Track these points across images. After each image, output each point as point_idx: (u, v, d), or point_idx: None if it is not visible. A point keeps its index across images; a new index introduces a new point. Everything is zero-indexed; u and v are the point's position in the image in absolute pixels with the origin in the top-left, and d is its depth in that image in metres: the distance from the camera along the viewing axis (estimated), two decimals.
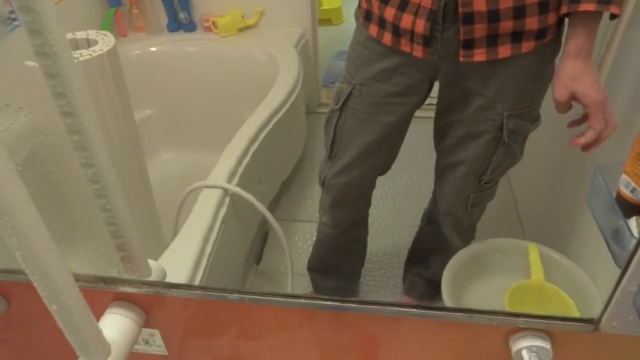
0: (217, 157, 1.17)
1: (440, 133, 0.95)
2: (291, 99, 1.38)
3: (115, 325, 0.53)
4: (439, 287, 1.21)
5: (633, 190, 0.48)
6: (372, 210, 1.13)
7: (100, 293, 0.54)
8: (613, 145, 0.79)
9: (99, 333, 0.49)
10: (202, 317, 0.57)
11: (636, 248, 0.41)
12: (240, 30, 1.62)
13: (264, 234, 1.43)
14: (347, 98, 0.91)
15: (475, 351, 0.52)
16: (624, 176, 0.49)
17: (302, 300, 0.52)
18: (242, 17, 1.61)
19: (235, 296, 0.51)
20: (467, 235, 1.10)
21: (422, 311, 0.52)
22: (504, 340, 0.50)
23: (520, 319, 0.49)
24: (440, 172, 1.01)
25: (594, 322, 0.46)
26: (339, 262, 1.20)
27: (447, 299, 0.98)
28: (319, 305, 0.52)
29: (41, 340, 0.63)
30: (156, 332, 0.58)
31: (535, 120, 0.89)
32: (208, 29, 1.63)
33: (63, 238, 0.42)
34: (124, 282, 0.52)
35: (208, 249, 0.98)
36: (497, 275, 1.05)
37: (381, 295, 1.29)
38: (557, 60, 0.81)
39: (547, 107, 0.85)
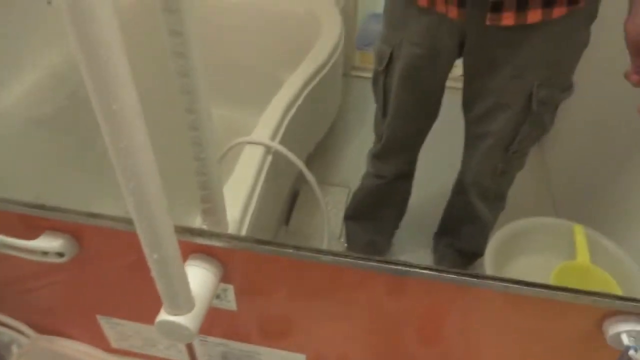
0: (250, 114, 1.15)
1: (468, 103, 0.94)
2: (332, 59, 1.35)
3: (198, 277, 0.52)
4: (470, 258, 1.22)
5: None
6: None
7: (182, 244, 0.52)
8: None
9: (187, 286, 0.48)
10: (274, 274, 0.56)
11: None
12: None
13: (293, 195, 1.42)
14: (390, 60, 0.92)
15: (564, 334, 0.51)
16: None
17: (391, 266, 0.51)
18: None
19: (329, 257, 0.49)
20: (496, 206, 1.10)
21: (506, 284, 0.50)
22: (598, 324, 0.49)
23: (620, 301, 0.47)
24: (468, 142, 1.01)
25: None
26: (377, 213, 1.21)
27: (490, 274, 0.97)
28: (400, 271, 0.50)
29: (111, 289, 0.62)
30: (230, 287, 0.57)
31: (567, 88, 0.86)
32: None
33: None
34: (207, 233, 0.50)
35: (251, 207, 0.97)
36: (539, 254, 1.04)
37: (410, 259, 1.29)
38: (592, 28, 0.79)
39: (585, 73, 0.82)
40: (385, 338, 0.60)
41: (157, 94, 0.87)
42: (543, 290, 0.48)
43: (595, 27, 0.81)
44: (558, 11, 0.75)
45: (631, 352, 0.46)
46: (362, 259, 0.50)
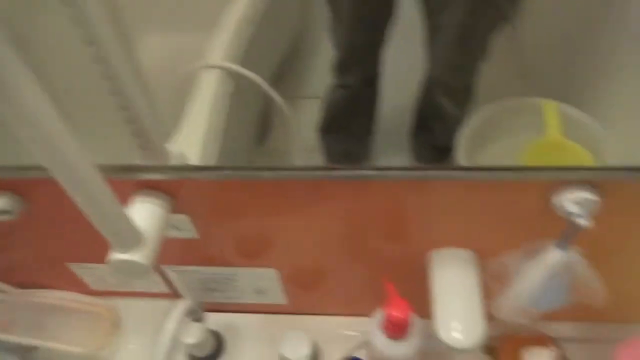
0: (202, 36, 1.09)
1: None
2: None
3: (144, 213, 0.51)
4: (446, 152, 1.21)
5: None
6: None
7: (123, 183, 0.51)
8: None
9: (129, 222, 0.47)
10: (229, 197, 0.56)
11: None
12: None
13: (265, 114, 1.39)
14: None
15: (516, 212, 0.51)
16: None
17: (334, 172, 0.50)
18: None
19: (269, 173, 0.48)
20: (464, 100, 1.07)
21: (458, 172, 0.50)
22: (547, 197, 0.49)
23: (563, 171, 0.47)
24: (427, 37, 0.96)
25: None
26: (349, 123, 1.19)
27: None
28: (343, 176, 0.50)
29: (69, 236, 0.62)
30: (184, 216, 0.57)
31: None
32: None
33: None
34: (147, 169, 0.49)
35: (216, 132, 0.95)
36: (513, 136, 1.03)
37: (392, 162, 1.29)
38: None
39: None
40: (353, 241, 0.60)
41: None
42: (487, 172, 0.47)
43: None
44: None
45: (578, 220, 0.46)
46: (309, 169, 0.49)
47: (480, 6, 0.83)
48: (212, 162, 0.91)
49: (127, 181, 0.51)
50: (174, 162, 0.57)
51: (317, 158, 1.25)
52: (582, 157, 0.94)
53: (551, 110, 0.99)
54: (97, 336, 0.72)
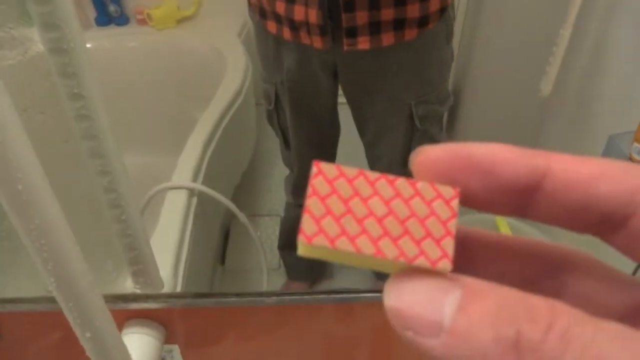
0: (170, 159, 1.12)
1: (359, 128, 0.98)
2: (243, 91, 1.34)
3: (139, 345, 0.49)
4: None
5: None
6: None
7: (116, 312, 0.49)
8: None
9: (128, 358, 0.45)
10: (221, 325, 0.54)
11: None
12: (179, 21, 1.54)
13: (225, 232, 1.39)
14: (276, 98, 0.93)
15: None
16: (635, 144, 0.51)
17: (334, 295, 0.50)
18: (179, 7, 1.54)
19: (273, 299, 0.48)
20: None
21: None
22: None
23: None
24: (369, 163, 1.04)
25: None
26: None
27: None
28: (353, 299, 0.50)
29: None
30: (175, 347, 0.54)
31: (444, 100, 0.91)
32: (142, 22, 1.54)
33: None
34: (146, 297, 0.47)
35: (183, 254, 0.94)
36: None
37: (352, 273, 1.29)
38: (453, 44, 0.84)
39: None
40: None
41: (64, 159, 0.83)
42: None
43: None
44: (409, 33, 0.78)
45: None
46: (305, 294, 0.49)
47: (413, 136, 0.91)
48: (179, 284, 0.89)
49: (121, 310, 0.49)
50: (166, 288, 0.55)
51: (280, 275, 1.24)
52: None
53: (504, 225, 1.05)
54: None
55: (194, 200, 1.04)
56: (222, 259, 1.35)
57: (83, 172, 0.45)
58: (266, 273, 1.17)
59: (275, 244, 1.31)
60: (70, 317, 0.38)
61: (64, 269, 0.34)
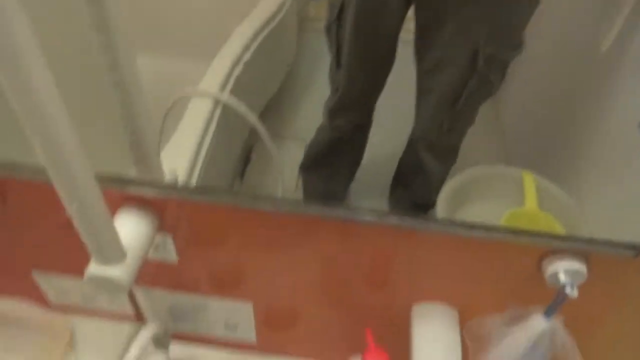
0: (197, 65, 1.10)
1: (418, 54, 0.93)
2: (284, 8, 1.30)
3: (129, 227, 0.49)
4: (422, 209, 1.22)
5: None
6: None
7: (113, 194, 0.49)
8: None
9: (115, 236, 0.45)
10: (215, 222, 0.54)
11: None
12: None
13: (247, 150, 1.39)
14: (341, 9, 0.89)
15: (504, 275, 0.51)
16: None
17: (336, 211, 0.49)
18: None
19: (268, 204, 0.47)
20: (446, 159, 1.10)
21: (450, 227, 0.50)
22: (537, 263, 0.49)
23: (557, 240, 0.48)
24: (418, 95, 0.99)
25: (636, 249, 0.45)
26: (333, 165, 1.20)
27: None
28: (334, 215, 0.49)
29: (41, 241, 0.59)
30: (168, 237, 0.55)
31: (516, 47, 0.85)
32: None
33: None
34: (143, 183, 0.48)
35: (200, 159, 0.94)
36: (490, 202, 1.05)
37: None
38: None
39: (543, 26, 0.80)
40: (334, 286, 0.59)
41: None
42: (482, 231, 0.47)
43: None
44: None
45: (567, 290, 0.47)
46: (307, 207, 0.48)
47: (472, 76, 0.86)
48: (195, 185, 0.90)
49: (116, 192, 0.50)
50: (167, 179, 0.55)
51: (296, 197, 1.24)
52: (555, 228, 0.96)
53: (530, 181, 1.02)
54: (49, 356, 0.67)
55: (218, 110, 1.04)
56: (242, 174, 1.36)
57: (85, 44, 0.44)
58: (281, 192, 1.18)
59: (296, 169, 1.31)
60: (57, 185, 0.38)
61: (49, 131, 0.34)
